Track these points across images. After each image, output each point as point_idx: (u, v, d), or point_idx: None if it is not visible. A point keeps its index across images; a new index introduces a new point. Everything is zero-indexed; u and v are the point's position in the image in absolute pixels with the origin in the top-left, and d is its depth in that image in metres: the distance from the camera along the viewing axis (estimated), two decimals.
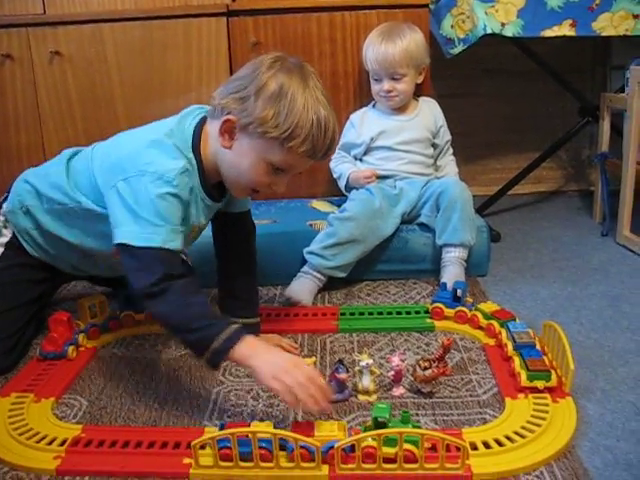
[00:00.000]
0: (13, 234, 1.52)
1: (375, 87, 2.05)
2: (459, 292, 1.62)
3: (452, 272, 1.81)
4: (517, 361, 1.31)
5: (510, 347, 1.38)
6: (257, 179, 1.32)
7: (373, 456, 1.06)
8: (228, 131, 1.28)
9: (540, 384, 1.24)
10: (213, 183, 1.38)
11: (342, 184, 2.07)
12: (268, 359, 1.16)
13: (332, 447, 1.06)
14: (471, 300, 1.66)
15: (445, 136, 2.11)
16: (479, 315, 1.56)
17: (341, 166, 2.07)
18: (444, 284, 1.67)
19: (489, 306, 1.59)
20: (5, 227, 1.53)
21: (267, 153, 1.27)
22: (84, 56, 2.18)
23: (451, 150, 2.14)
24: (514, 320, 1.51)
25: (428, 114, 2.09)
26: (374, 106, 2.13)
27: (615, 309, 1.68)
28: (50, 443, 1.15)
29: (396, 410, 1.24)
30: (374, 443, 1.05)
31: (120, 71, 2.19)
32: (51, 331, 1.48)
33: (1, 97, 2.21)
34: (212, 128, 1.32)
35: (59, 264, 1.57)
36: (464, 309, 1.59)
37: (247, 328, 1.45)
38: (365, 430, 1.08)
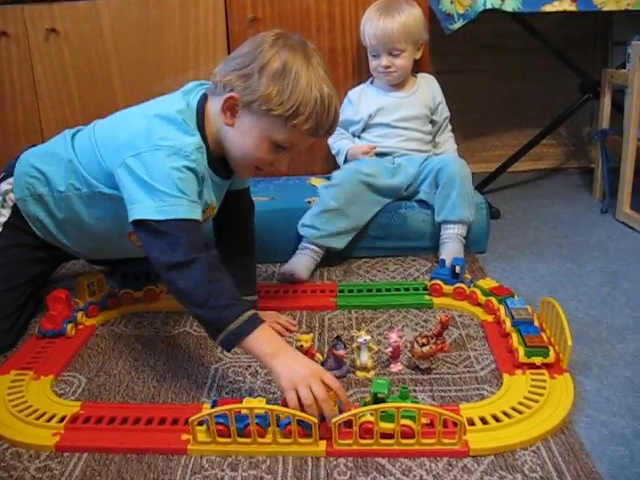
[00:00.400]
0: (13, 214, 1.50)
1: (373, 63, 2.04)
2: (457, 269, 1.62)
3: (451, 248, 1.80)
4: (515, 337, 1.31)
5: (508, 323, 1.38)
6: (260, 156, 1.31)
7: (370, 431, 1.06)
8: (230, 108, 1.27)
9: (538, 360, 1.25)
10: (219, 159, 1.37)
11: (341, 160, 2.06)
12: (290, 365, 1.12)
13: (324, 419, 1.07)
14: (469, 277, 1.66)
15: (443, 113, 2.10)
16: (478, 292, 1.56)
17: (339, 142, 2.06)
18: (443, 261, 1.67)
19: (488, 282, 1.59)
20: (3, 207, 1.51)
21: (270, 131, 1.27)
22: (80, 33, 2.15)
23: (450, 127, 2.12)
24: (512, 297, 1.51)
25: (426, 90, 2.08)
26: (372, 82, 2.11)
27: (614, 286, 1.68)
28: (49, 420, 1.16)
29: (394, 386, 1.25)
30: (371, 418, 1.06)
31: (117, 48, 2.17)
32: (50, 309, 1.48)
33: None
34: (214, 105, 1.31)
35: (69, 248, 1.55)
36: (463, 286, 1.59)
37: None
38: (364, 406, 1.09)
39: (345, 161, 2.04)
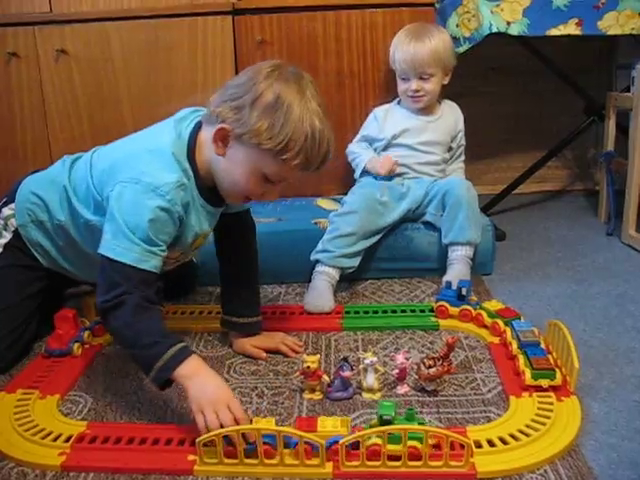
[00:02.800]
0: (14, 237, 1.51)
1: (402, 86, 2.05)
2: (464, 290, 1.62)
3: (458, 270, 1.81)
4: (522, 360, 1.31)
5: (515, 346, 1.38)
6: (249, 188, 1.31)
7: (378, 453, 1.06)
8: (222, 139, 1.27)
9: (545, 383, 1.24)
10: (211, 188, 1.36)
11: (358, 170, 2.08)
12: (201, 387, 1.15)
13: (335, 442, 1.06)
14: (475, 299, 1.66)
15: (461, 141, 2.13)
16: (484, 314, 1.56)
17: (360, 151, 2.09)
18: (449, 282, 1.67)
19: (494, 304, 1.59)
20: (5, 229, 1.52)
21: (260, 163, 1.26)
22: (90, 54, 2.19)
23: (463, 157, 2.15)
24: (519, 319, 1.51)
25: (450, 117, 2.11)
26: (399, 103, 2.13)
27: (620, 308, 1.68)
28: (55, 439, 1.16)
29: (400, 409, 1.24)
30: (379, 440, 1.05)
31: (126, 69, 2.19)
32: (57, 328, 1.48)
33: (7, 95, 2.22)
34: (207, 134, 1.31)
35: (70, 273, 1.56)
36: (469, 307, 1.59)
37: (245, 328, 1.49)
38: (370, 428, 1.09)
39: (363, 170, 2.06)
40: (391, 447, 1.05)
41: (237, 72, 2.17)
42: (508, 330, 1.46)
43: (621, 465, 1.07)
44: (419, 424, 1.09)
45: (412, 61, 1.99)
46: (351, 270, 1.83)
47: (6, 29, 2.17)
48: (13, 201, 1.52)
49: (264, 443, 1.07)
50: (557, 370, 1.26)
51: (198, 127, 1.34)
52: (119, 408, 1.28)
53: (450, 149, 2.11)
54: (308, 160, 1.25)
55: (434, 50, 1.99)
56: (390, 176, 2.01)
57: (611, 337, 1.52)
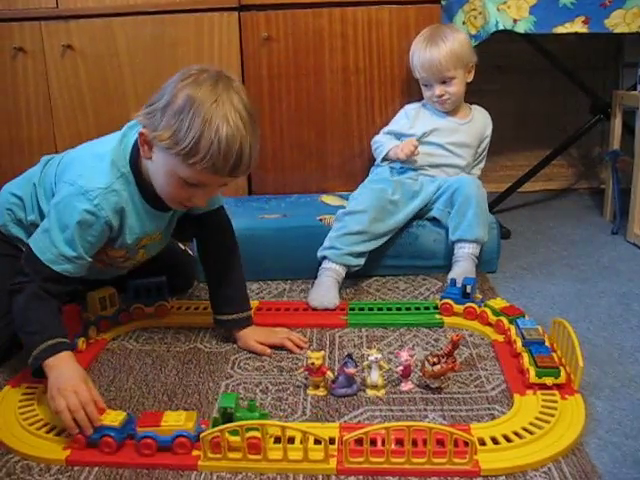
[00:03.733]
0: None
1: (427, 93, 2.06)
2: (468, 288, 1.62)
3: (463, 268, 1.81)
4: (526, 357, 1.31)
5: (519, 343, 1.38)
6: (173, 191, 1.31)
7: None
8: (145, 143, 1.28)
9: (549, 381, 1.24)
10: (152, 192, 1.36)
11: (379, 156, 2.09)
12: (56, 378, 1.20)
13: (178, 436, 1.09)
14: (480, 296, 1.66)
15: (485, 147, 2.13)
16: (488, 311, 1.56)
17: (385, 140, 2.09)
18: (453, 280, 1.67)
19: (498, 302, 1.59)
20: None
21: (175, 168, 1.26)
22: (96, 50, 2.18)
23: (483, 163, 2.16)
24: (523, 316, 1.51)
25: (481, 122, 2.11)
26: (424, 106, 2.13)
27: (625, 307, 1.68)
28: (60, 434, 1.16)
29: (405, 405, 1.24)
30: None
31: (131, 65, 2.19)
32: None
33: (13, 90, 2.22)
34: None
35: None
36: (473, 305, 1.59)
37: (233, 324, 1.51)
38: (215, 422, 1.10)
39: (384, 159, 2.07)
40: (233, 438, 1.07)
41: (243, 68, 2.18)
42: (512, 328, 1.46)
43: (625, 464, 1.07)
44: (261, 415, 1.11)
45: (430, 68, 1.99)
46: (357, 268, 1.83)
47: (12, 24, 2.17)
48: None
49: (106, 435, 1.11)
50: (561, 368, 1.26)
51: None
52: (124, 403, 1.28)
53: (475, 153, 2.11)
54: (215, 165, 1.22)
55: (450, 52, 1.98)
56: (407, 167, 2.02)
57: (616, 336, 1.52)
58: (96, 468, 1.09)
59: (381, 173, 2.05)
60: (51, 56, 2.19)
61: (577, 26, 2.09)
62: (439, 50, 1.98)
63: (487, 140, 2.13)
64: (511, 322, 1.48)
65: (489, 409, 1.23)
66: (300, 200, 2.19)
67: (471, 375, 1.36)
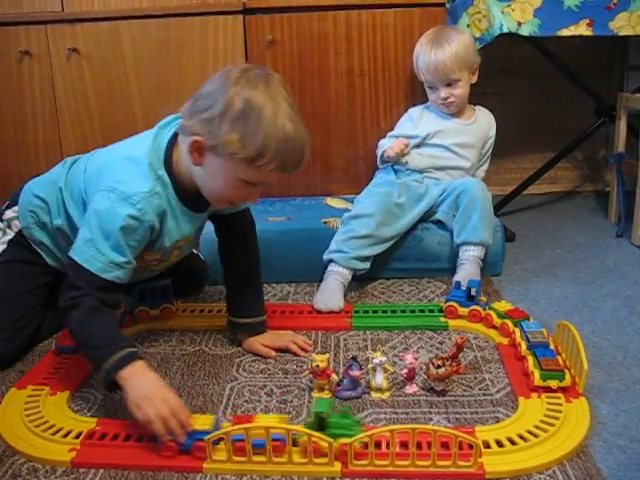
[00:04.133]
0: (18, 235, 1.53)
1: (432, 96, 2.05)
2: (473, 291, 1.62)
3: (468, 270, 1.81)
4: (531, 360, 1.31)
5: (524, 346, 1.38)
6: (231, 194, 1.32)
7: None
8: (197, 150, 1.26)
9: (554, 384, 1.24)
10: (192, 194, 1.36)
11: (378, 159, 2.10)
12: (138, 387, 1.16)
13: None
14: (485, 299, 1.66)
15: (491, 147, 2.13)
16: (493, 314, 1.56)
17: (385, 142, 2.09)
18: (458, 283, 1.66)
19: (503, 305, 1.59)
20: (9, 227, 1.54)
21: (237, 172, 1.25)
22: (101, 53, 2.19)
23: (487, 164, 2.15)
24: (528, 319, 1.50)
25: (485, 123, 2.11)
26: (428, 108, 2.13)
27: (629, 310, 1.68)
28: (65, 436, 1.17)
29: (409, 408, 1.24)
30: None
31: (137, 68, 2.20)
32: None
33: (19, 93, 2.23)
34: (184, 144, 1.30)
35: None
36: (478, 308, 1.59)
37: (249, 328, 1.51)
38: (309, 426, 1.09)
39: (383, 161, 2.08)
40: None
41: None
42: (517, 331, 1.45)
43: (630, 467, 1.07)
44: (353, 422, 1.10)
45: (436, 70, 1.98)
46: (363, 272, 1.83)
47: (19, 28, 2.18)
48: (16, 204, 1.55)
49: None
50: (566, 371, 1.26)
51: (176, 135, 1.34)
52: None
53: (480, 154, 2.11)
54: (284, 164, 1.24)
55: (455, 55, 1.98)
56: (412, 169, 2.02)
57: (620, 339, 1.52)
58: (101, 470, 1.09)
59: (386, 176, 2.05)
60: (57, 59, 2.20)
61: (582, 29, 2.09)
62: (444, 52, 1.97)
63: (491, 141, 2.12)
64: (516, 325, 1.48)
65: (494, 412, 1.23)
66: (305, 203, 2.19)
67: (476, 378, 1.36)
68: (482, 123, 2.10)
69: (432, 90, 2.05)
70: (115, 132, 2.22)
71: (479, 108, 2.14)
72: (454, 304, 1.62)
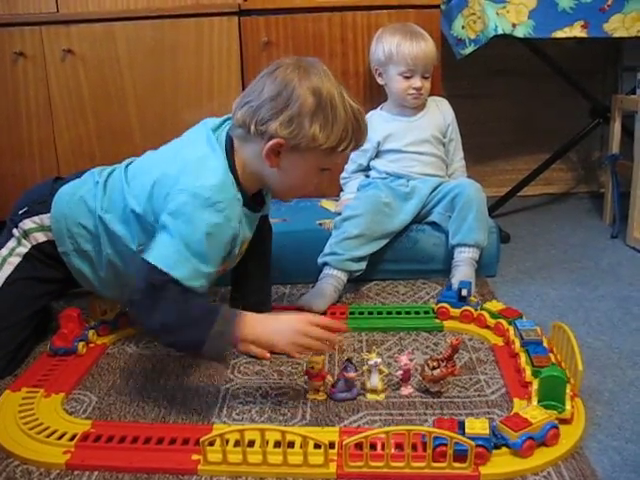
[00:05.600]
0: (34, 248, 1.48)
1: (403, 84, 2.00)
2: (464, 291, 1.62)
3: (463, 272, 1.81)
4: (523, 357, 1.32)
5: (517, 344, 1.39)
6: (306, 184, 1.38)
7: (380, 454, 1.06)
8: (275, 152, 1.28)
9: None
10: (250, 196, 1.38)
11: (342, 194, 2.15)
12: (262, 330, 1.24)
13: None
14: (475, 299, 1.66)
15: (452, 135, 2.10)
16: (486, 314, 1.56)
17: (345, 186, 2.15)
18: (449, 284, 1.67)
19: (495, 305, 1.59)
20: (24, 238, 1.48)
21: (318, 162, 1.32)
22: (96, 55, 2.19)
23: (461, 153, 2.13)
24: (521, 318, 1.52)
25: (436, 112, 2.09)
26: (382, 108, 2.12)
27: (624, 311, 1.68)
28: (60, 438, 1.16)
29: (404, 409, 1.24)
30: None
31: (132, 70, 2.20)
32: (61, 327, 1.48)
33: (14, 94, 2.22)
34: (248, 150, 1.32)
35: (107, 292, 1.56)
36: (470, 309, 1.59)
37: None
38: None
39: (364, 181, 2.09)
40: None
41: (243, 72, 2.18)
42: (511, 329, 1.46)
43: (625, 468, 1.07)
44: None
45: (423, 58, 1.97)
46: (359, 273, 1.83)
47: (13, 29, 2.17)
48: (36, 213, 1.48)
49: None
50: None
51: (230, 140, 1.34)
52: (123, 407, 1.29)
53: (443, 144, 2.09)
54: (358, 141, 1.33)
55: (434, 48, 2.00)
56: (395, 175, 2.03)
57: (615, 340, 1.52)
58: (96, 472, 1.09)
59: (370, 180, 2.07)
60: (51, 61, 2.19)
61: (576, 30, 2.10)
62: (426, 44, 1.98)
63: (450, 128, 2.09)
64: (510, 323, 1.49)
65: (489, 413, 1.23)
66: (300, 205, 2.19)
67: (471, 379, 1.36)
68: (433, 113, 2.09)
69: (406, 79, 2.00)
70: (110, 133, 2.22)
71: (432, 98, 2.11)
72: (446, 305, 1.62)
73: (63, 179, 1.54)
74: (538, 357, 1.31)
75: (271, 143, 1.26)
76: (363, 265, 1.83)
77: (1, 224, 1.55)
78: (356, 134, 1.30)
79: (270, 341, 1.24)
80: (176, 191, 1.26)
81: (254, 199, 1.40)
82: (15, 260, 1.47)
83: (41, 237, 1.48)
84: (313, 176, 1.36)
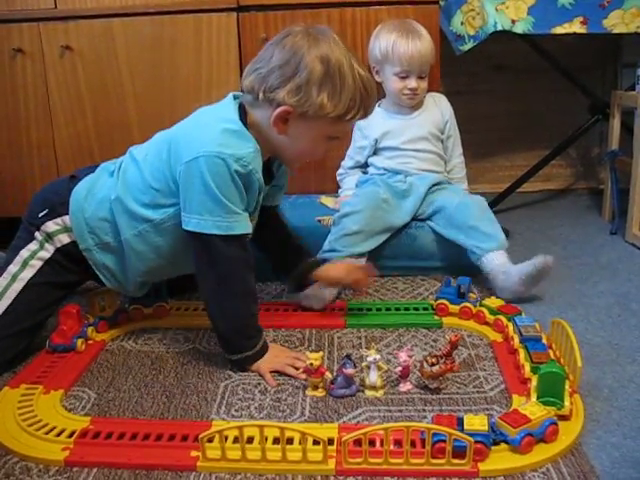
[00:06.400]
0: (57, 252, 1.46)
1: (399, 85, 2.00)
2: (463, 288, 1.62)
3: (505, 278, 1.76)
4: (522, 354, 1.33)
5: (516, 340, 1.39)
6: (314, 151, 1.41)
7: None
8: (283, 119, 1.31)
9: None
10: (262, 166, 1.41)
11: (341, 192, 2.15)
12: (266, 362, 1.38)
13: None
14: (475, 296, 1.66)
15: (450, 131, 2.09)
16: (485, 311, 1.56)
17: (342, 182, 2.15)
18: (448, 280, 1.66)
19: (494, 301, 1.59)
20: (47, 241, 1.47)
21: (326, 130, 1.34)
22: (94, 51, 2.18)
23: (460, 150, 2.13)
24: (520, 314, 1.52)
25: (434, 109, 2.08)
26: (380, 105, 2.11)
27: (623, 307, 1.68)
28: (59, 434, 1.16)
29: (403, 406, 1.24)
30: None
31: (130, 66, 2.19)
32: (60, 324, 1.48)
33: (12, 91, 2.21)
34: (258, 116, 1.35)
35: (130, 288, 1.56)
36: (469, 305, 1.59)
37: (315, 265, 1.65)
38: None
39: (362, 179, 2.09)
40: None
41: (241, 69, 2.17)
42: (510, 325, 1.46)
43: (624, 464, 1.07)
44: None
45: (419, 57, 1.96)
46: None
47: (11, 25, 2.16)
48: (58, 214, 1.47)
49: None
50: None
51: (243, 107, 1.38)
52: (122, 404, 1.29)
53: (441, 140, 2.09)
54: (366, 110, 1.35)
55: (431, 46, 1.99)
56: (392, 172, 2.03)
57: (614, 336, 1.52)
58: (95, 469, 1.09)
59: (367, 177, 2.07)
60: (50, 57, 2.18)
61: (575, 26, 2.09)
62: (422, 43, 1.96)
63: (449, 125, 2.09)
64: (509, 320, 1.49)
65: (488, 409, 1.23)
66: (298, 201, 2.19)
67: (470, 375, 1.36)
68: (431, 111, 2.08)
69: (402, 80, 2.00)
70: (109, 130, 2.22)
71: (431, 95, 2.11)
72: (445, 301, 1.62)
73: (78, 177, 1.52)
74: (537, 353, 1.31)
75: (279, 110, 1.29)
76: (362, 261, 1.82)
77: None
78: (365, 103, 1.32)
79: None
80: (198, 151, 1.29)
81: (266, 169, 1.42)
82: (37, 263, 1.46)
83: (65, 239, 1.47)
84: (321, 144, 1.38)
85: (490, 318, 1.55)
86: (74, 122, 2.24)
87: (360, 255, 1.81)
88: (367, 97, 1.32)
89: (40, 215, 1.47)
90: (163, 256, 1.46)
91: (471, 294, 1.65)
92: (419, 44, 1.96)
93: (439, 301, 1.63)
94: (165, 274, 1.59)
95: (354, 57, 1.32)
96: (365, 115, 1.35)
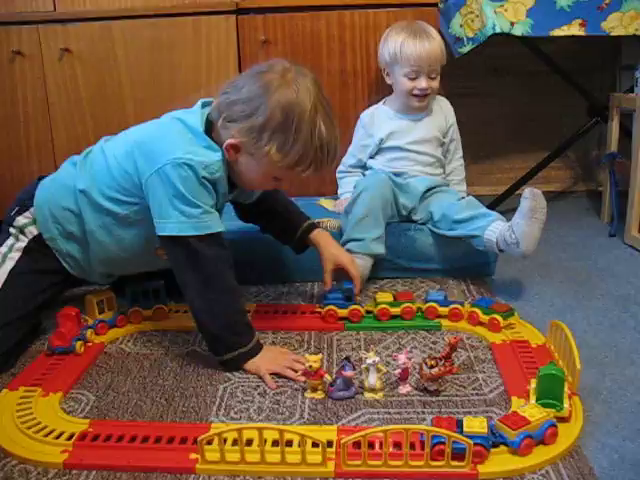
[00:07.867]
0: (33, 240, 1.51)
1: (409, 85, 1.98)
2: (347, 292, 1.64)
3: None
4: (479, 310, 1.54)
5: (467, 306, 1.54)
6: (265, 187, 1.46)
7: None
8: (232, 149, 1.33)
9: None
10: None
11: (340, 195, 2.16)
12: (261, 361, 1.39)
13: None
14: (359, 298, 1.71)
15: (453, 135, 2.10)
16: (478, 311, 1.56)
17: (342, 182, 2.16)
18: (339, 287, 1.67)
19: (385, 296, 1.66)
20: (21, 234, 1.51)
21: (274, 172, 1.35)
22: (94, 53, 2.19)
23: (460, 153, 2.13)
24: (512, 312, 1.56)
25: (439, 113, 2.08)
26: (384, 103, 2.11)
27: (622, 309, 1.68)
28: (58, 437, 1.16)
29: (402, 408, 1.24)
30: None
31: (129, 68, 2.19)
32: (59, 326, 1.48)
33: (11, 93, 2.22)
34: (220, 132, 1.36)
35: (92, 277, 1.61)
36: (457, 306, 1.60)
37: (314, 226, 1.70)
38: None
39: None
40: None
41: (240, 71, 2.17)
42: (467, 305, 1.60)
43: (623, 466, 1.07)
44: None
45: (427, 58, 1.95)
46: (381, 257, 1.84)
47: (10, 28, 2.17)
48: (26, 209, 1.52)
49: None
50: (514, 309, 1.53)
51: (210, 122, 1.38)
52: (121, 406, 1.28)
53: (443, 144, 2.09)
54: (318, 169, 1.34)
55: (441, 46, 1.98)
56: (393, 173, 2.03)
57: (613, 338, 1.52)
58: (94, 471, 1.09)
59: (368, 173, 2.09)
60: (49, 60, 2.19)
61: (574, 29, 2.09)
62: (431, 43, 1.96)
63: (452, 129, 2.10)
64: (503, 318, 1.53)
65: (487, 411, 1.23)
66: (298, 204, 2.18)
67: (469, 378, 1.36)
68: (436, 114, 2.08)
69: (411, 80, 1.99)
70: (107, 132, 2.18)
71: (435, 97, 2.10)
72: (434, 304, 1.61)
73: (46, 176, 1.58)
74: (493, 306, 1.53)
75: (229, 142, 1.32)
76: (382, 247, 1.83)
77: None
78: (316, 162, 1.32)
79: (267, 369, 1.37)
80: (165, 158, 1.31)
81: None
82: (16, 255, 1.50)
83: (34, 230, 1.52)
84: (268, 181, 1.39)
85: (484, 318, 1.55)
86: (73, 124, 2.24)
87: (378, 239, 1.82)
88: (321, 156, 1.31)
89: (12, 213, 1.53)
90: (125, 249, 1.50)
91: (454, 296, 1.70)
92: (427, 44, 1.95)
93: (428, 304, 1.61)
94: (128, 268, 1.62)
95: (326, 108, 1.31)
96: (317, 172, 1.35)
